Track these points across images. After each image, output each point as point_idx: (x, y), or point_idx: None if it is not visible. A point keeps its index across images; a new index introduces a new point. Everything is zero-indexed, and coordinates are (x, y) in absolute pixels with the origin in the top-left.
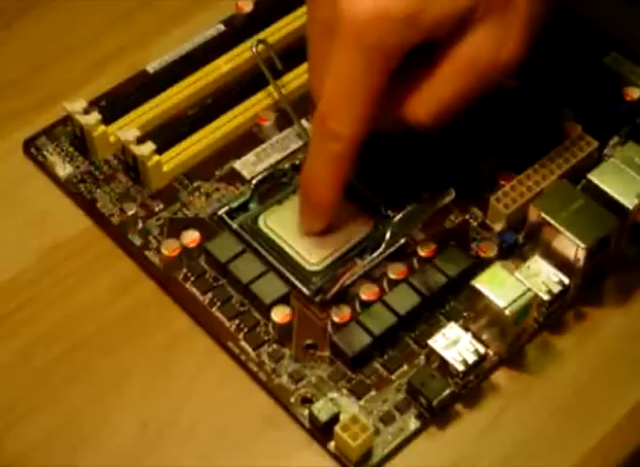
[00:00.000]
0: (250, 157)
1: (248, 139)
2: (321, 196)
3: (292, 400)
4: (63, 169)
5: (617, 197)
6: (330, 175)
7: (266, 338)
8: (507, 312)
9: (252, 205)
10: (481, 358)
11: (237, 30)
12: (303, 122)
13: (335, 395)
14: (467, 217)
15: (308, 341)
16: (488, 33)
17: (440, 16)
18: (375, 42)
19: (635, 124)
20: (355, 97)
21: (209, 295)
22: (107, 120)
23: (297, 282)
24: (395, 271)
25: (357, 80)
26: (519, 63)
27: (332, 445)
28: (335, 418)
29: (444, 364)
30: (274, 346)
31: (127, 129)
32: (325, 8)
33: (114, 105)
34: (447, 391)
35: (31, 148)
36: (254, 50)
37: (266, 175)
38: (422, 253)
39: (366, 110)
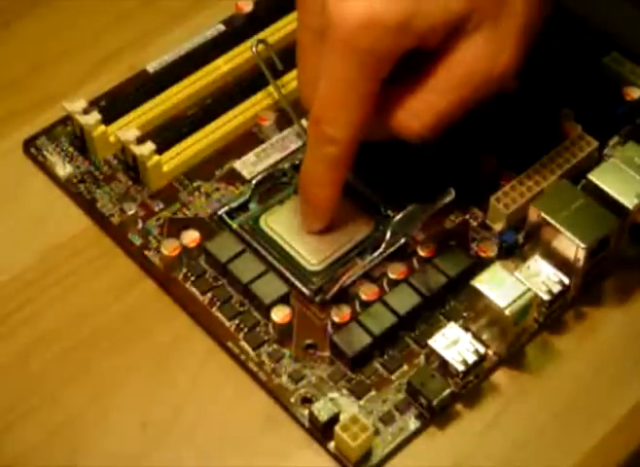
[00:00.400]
0: (250, 157)
1: (248, 139)
2: (319, 197)
3: (292, 400)
4: (63, 169)
5: (617, 197)
6: (327, 177)
7: (265, 338)
8: (507, 312)
9: (252, 205)
10: (481, 358)
11: (237, 30)
12: (303, 122)
13: (335, 395)
14: (467, 217)
15: (308, 341)
16: (483, 43)
17: (432, 22)
18: (367, 47)
19: (635, 124)
20: (348, 102)
21: (209, 295)
22: (107, 120)
23: (297, 282)
24: (395, 271)
25: (350, 85)
26: (516, 73)
27: (331, 445)
28: (335, 418)
29: (443, 364)
30: (274, 346)
31: (127, 129)
32: (315, 15)
33: (114, 105)
34: (447, 391)
35: (31, 148)
36: (254, 50)
37: (265, 175)
38: (422, 253)
39: (359, 114)
